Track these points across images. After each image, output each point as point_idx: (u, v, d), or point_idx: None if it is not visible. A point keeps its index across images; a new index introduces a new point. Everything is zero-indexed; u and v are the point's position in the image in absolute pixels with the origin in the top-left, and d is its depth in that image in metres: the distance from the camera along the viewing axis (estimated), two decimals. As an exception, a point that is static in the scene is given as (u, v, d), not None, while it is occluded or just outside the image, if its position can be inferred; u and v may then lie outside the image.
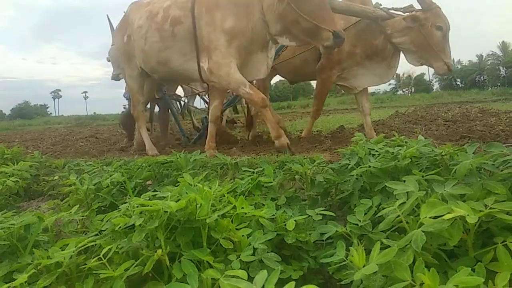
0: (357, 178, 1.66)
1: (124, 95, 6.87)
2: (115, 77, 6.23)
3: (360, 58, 4.17)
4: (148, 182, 2.28)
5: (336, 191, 1.79)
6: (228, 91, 4.63)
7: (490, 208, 1.03)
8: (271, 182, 1.79)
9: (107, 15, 6.41)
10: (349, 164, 1.78)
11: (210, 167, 2.32)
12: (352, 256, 1.05)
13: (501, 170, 1.31)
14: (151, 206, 1.19)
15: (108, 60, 6.61)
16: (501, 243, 0.99)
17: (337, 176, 1.79)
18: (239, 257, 1.17)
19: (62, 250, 1.28)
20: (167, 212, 1.17)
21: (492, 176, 1.33)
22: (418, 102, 13.56)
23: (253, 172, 1.96)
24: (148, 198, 1.37)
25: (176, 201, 1.22)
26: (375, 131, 4.41)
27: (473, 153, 1.43)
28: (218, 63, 3.47)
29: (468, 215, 0.99)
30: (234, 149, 4.10)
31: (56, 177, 2.69)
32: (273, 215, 1.41)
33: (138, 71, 4.33)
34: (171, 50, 3.79)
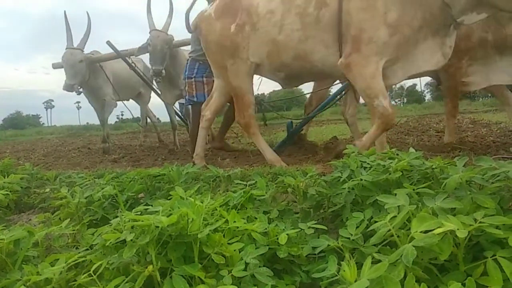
0: (349, 191, 1.67)
1: (186, 100, 4.86)
2: (69, 88, 5.62)
3: (491, 48, 3.51)
4: (140, 195, 2.26)
5: (328, 204, 1.80)
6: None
7: (480, 222, 1.04)
8: (263, 195, 1.79)
9: (65, 11, 5.89)
10: (341, 177, 1.78)
11: (203, 179, 2.31)
12: (344, 271, 1.05)
13: (491, 183, 1.33)
14: (142, 221, 1.19)
15: (56, 67, 5.99)
16: (491, 257, 1.00)
17: (329, 189, 1.79)
18: (230, 272, 1.16)
19: (52, 266, 1.27)
20: (158, 227, 1.17)
21: (482, 189, 1.35)
22: (410, 113, 13.66)
23: (246, 185, 1.96)
24: (139, 213, 1.37)
25: (168, 216, 1.22)
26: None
27: (464, 166, 1.45)
28: (365, 58, 2.81)
29: (458, 229, 1.00)
30: (227, 160, 4.10)
31: (47, 190, 2.67)
32: (266, 228, 1.41)
33: (247, 67, 3.47)
34: (314, 40, 3.04)
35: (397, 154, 1.87)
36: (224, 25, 3.50)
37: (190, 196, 1.54)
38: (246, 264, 1.20)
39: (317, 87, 5.06)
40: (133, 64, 5.90)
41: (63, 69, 5.77)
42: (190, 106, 4.89)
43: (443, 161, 1.59)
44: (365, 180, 1.62)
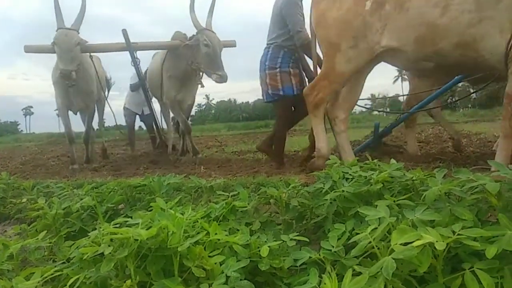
0: (331, 203, 1.67)
1: (269, 95, 4.02)
2: (67, 75, 4.57)
3: None
4: (121, 206, 2.23)
5: (310, 215, 1.80)
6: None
7: (458, 235, 1.06)
8: (245, 207, 1.78)
9: None
10: (323, 188, 1.79)
11: (185, 190, 2.29)
12: (325, 283, 1.05)
13: (469, 195, 1.35)
14: (121, 234, 1.16)
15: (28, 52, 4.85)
16: (469, 269, 1.01)
17: (311, 200, 1.80)
18: (211, 285, 1.14)
19: (27, 280, 1.23)
20: (137, 240, 1.14)
21: (460, 201, 1.37)
22: (392, 123, 13.91)
23: (228, 196, 1.94)
24: (118, 225, 1.34)
25: (147, 228, 1.20)
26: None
27: (443, 177, 1.47)
28: None
29: (437, 241, 1.01)
30: (210, 171, 4.07)
31: (24, 200, 2.59)
32: (247, 241, 1.40)
33: (370, 53, 2.99)
34: (488, 24, 2.50)
35: (379, 165, 1.90)
36: (359, 1, 2.98)
37: (171, 208, 1.52)
38: (227, 277, 1.19)
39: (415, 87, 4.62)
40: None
41: (36, 55, 5.02)
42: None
43: (423, 173, 1.62)
44: (347, 191, 1.63)
